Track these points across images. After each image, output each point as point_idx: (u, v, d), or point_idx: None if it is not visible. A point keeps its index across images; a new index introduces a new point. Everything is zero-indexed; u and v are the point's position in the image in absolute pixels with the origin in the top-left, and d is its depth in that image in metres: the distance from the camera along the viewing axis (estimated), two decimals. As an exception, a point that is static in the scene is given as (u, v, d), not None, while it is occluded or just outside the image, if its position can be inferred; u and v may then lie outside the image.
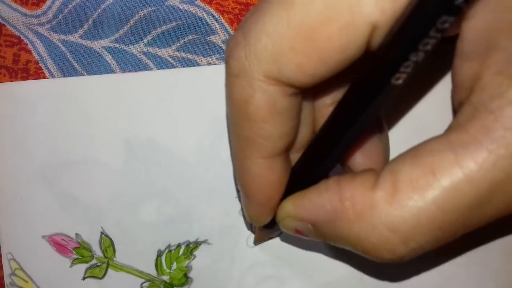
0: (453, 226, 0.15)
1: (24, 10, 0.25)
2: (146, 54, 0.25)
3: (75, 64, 0.25)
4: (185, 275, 0.24)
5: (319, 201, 0.17)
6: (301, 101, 0.17)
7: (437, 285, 0.23)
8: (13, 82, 0.25)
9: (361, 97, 0.16)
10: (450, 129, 0.16)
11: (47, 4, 0.25)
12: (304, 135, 0.19)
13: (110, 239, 0.25)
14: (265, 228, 0.22)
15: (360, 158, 0.19)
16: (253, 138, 0.17)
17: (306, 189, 0.18)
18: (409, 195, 0.15)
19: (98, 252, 0.25)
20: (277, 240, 0.24)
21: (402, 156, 0.16)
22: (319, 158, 0.18)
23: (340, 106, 0.17)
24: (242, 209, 0.24)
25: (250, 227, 0.24)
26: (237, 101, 0.16)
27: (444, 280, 0.23)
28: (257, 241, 0.24)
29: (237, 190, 0.24)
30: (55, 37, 0.25)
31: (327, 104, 0.19)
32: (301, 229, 0.18)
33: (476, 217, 0.15)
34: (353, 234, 0.16)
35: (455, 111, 0.16)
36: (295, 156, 0.19)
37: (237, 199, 0.24)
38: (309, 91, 0.18)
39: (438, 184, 0.15)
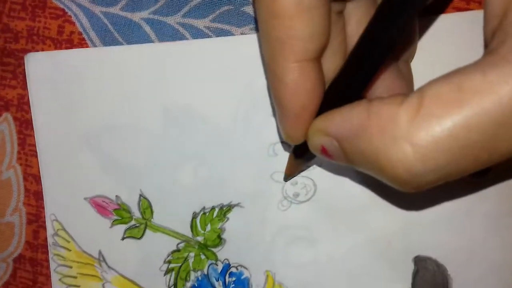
0: (476, 147, 0.15)
1: (68, -17, 0.26)
2: (182, 25, 0.25)
3: (116, 35, 0.26)
4: (219, 236, 0.25)
5: (347, 116, 0.17)
6: (329, 3, 0.17)
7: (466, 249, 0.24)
8: (58, 51, 0.26)
9: (386, 13, 0.15)
10: (482, 57, 0.15)
11: (90, -23, 0.25)
12: (337, 59, 0.19)
13: (148, 201, 0.25)
14: (296, 158, 0.22)
15: (382, 91, 0.19)
16: (283, 38, 0.17)
17: (340, 107, 0.18)
18: (433, 110, 0.15)
19: (136, 213, 0.25)
20: (307, 204, 0.24)
21: (432, 80, 0.16)
22: (353, 75, 0.18)
23: (376, 13, 0.16)
24: (281, 141, 0.24)
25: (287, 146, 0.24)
26: (265, 1, 0.17)
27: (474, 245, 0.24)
28: (287, 177, 0.24)
29: (273, 108, 0.24)
30: (97, 9, 0.26)
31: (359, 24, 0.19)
32: (327, 146, 0.18)
33: (501, 139, 0.14)
34: (373, 148, 0.16)
35: (487, 45, 0.16)
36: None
37: (269, 164, 0.24)
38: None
39: (463, 100, 0.14)
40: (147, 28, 0.25)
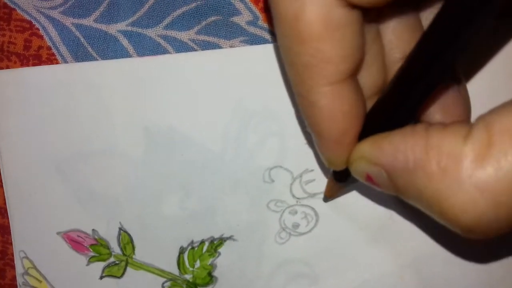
0: None
1: (35, -8, 0.24)
2: (164, 37, 0.24)
3: (90, 49, 0.24)
4: (209, 274, 0.24)
5: (400, 146, 0.15)
6: (361, 17, 0.16)
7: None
8: (24, 68, 0.24)
9: (449, 22, 0.14)
10: None
11: (59, -15, 0.24)
12: (377, 76, 0.18)
13: (129, 235, 0.24)
14: (338, 181, 0.20)
15: (438, 114, 0.18)
16: (311, 63, 0.15)
17: (389, 131, 0.16)
18: (506, 149, 0.13)
19: (116, 249, 0.24)
20: (309, 236, 0.23)
21: (497, 107, 0.14)
22: (401, 99, 0.16)
23: (424, 38, 0.15)
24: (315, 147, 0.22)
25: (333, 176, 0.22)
26: (286, 19, 0.15)
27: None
28: (327, 198, 0.23)
29: (305, 133, 0.23)
30: (68, 21, 0.24)
31: (400, 40, 0.18)
32: (373, 175, 0.16)
33: None
34: (433, 191, 0.14)
35: None
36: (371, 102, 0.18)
37: (264, 191, 0.23)
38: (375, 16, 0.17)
39: None
40: (124, 42, 0.24)
